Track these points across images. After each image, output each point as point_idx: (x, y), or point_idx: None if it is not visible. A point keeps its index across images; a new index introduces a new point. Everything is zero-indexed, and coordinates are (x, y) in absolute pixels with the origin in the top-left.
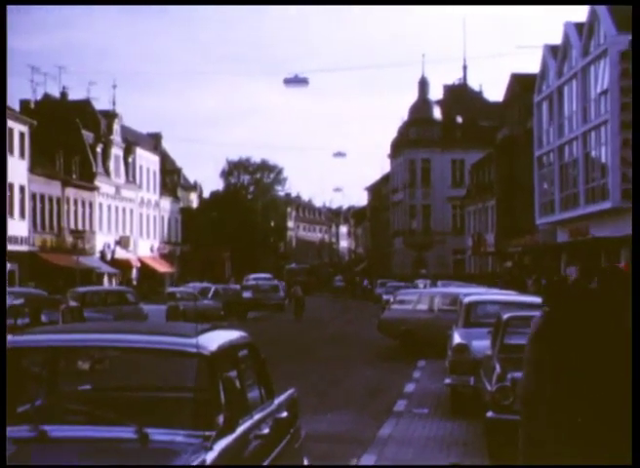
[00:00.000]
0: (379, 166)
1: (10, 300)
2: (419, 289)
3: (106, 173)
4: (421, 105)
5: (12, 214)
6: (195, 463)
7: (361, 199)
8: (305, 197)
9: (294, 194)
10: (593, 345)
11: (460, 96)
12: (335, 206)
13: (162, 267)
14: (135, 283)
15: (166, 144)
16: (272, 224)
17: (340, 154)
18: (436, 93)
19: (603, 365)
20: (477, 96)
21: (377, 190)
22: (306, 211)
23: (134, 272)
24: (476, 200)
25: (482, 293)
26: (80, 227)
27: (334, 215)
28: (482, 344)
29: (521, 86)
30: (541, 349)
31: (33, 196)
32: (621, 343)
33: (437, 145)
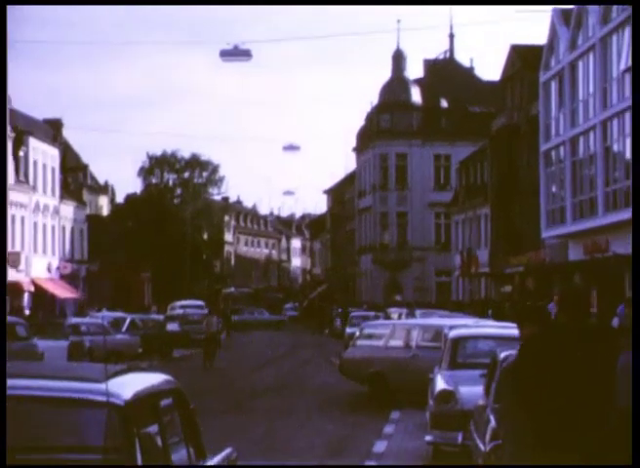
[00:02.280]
0: (341, 163)
1: None
2: (392, 320)
3: None
4: (396, 86)
5: None
6: None
7: (319, 205)
8: (248, 202)
9: (233, 198)
10: (565, 377)
11: (445, 73)
12: (285, 213)
13: (62, 292)
14: (27, 312)
15: (68, 134)
16: (205, 237)
17: (291, 147)
18: (415, 70)
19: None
20: (467, 73)
21: (338, 194)
22: (249, 220)
23: (25, 298)
24: (466, 206)
25: (472, 326)
26: None
27: (284, 226)
28: (473, 391)
29: (523, 61)
30: (516, 386)
31: None
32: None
33: (416, 136)
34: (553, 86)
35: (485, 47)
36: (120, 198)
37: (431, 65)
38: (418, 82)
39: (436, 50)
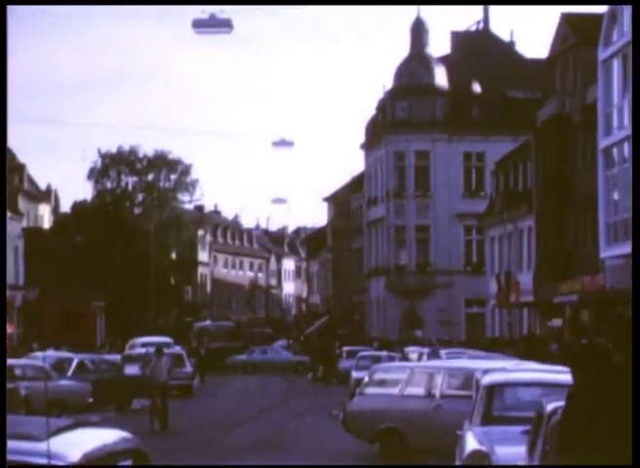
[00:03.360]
0: (345, 163)
1: None
2: (409, 362)
3: None
4: (416, 65)
5: None
6: None
7: (318, 216)
8: (228, 212)
9: (209, 207)
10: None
11: (478, 50)
12: (275, 227)
13: None
14: None
15: None
16: (174, 256)
17: (283, 144)
18: (440, 45)
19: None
20: (506, 50)
21: (342, 202)
22: (229, 234)
23: None
24: (503, 218)
25: (512, 370)
26: None
27: (273, 242)
28: (512, 452)
29: (577, 34)
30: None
31: None
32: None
33: (441, 129)
34: (616, 65)
35: (529, 16)
36: (65, 206)
37: (461, 39)
38: (443, 60)
39: (467, 20)
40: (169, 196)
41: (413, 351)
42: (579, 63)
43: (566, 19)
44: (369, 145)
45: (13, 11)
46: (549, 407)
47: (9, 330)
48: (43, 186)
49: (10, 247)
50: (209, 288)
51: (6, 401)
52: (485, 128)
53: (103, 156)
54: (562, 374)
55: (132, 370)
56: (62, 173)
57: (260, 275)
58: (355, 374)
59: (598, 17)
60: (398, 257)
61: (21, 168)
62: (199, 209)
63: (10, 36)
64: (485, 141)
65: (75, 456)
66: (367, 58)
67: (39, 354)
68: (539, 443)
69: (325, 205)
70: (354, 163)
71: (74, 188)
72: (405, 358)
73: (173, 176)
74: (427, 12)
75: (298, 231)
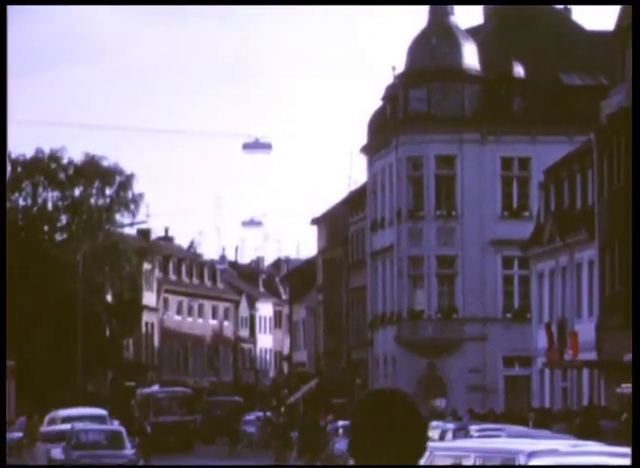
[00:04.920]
0: (341, 172)
1: None
2: (430, 441)
3: None
4: (437, 40)
5: None
6: None
7: (304, 244)
8: (183, 238)
9: (157, 232)
10: None
11: (520, 19)
12: (247, 258)
13: None
14: None
15: None
16: (110, 298)
17: (258, 146)
18: (469, 13)
19: None
20: (559, 19)
21: (337, 225)
22: (185, 269)
23: None
24: (556, 248)
25: (567, 453)
26: None
27: (245, 280)
28: None
29: None
30: None
31: None
32: None
33: (471, 127)
34: None
35: None
36: None
37: (497, 6)
38: (474, 33)
39: None
40: (103, 217)
41: (433, 427)
42: None
43: None
44: (373, 149)
45: None
46: None
47: None
48: None
49: None
50: (157, 341)
51: (6, 405)
52: (530, 125)
53: (14, 163)
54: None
55: (53, 452)
56: None
57: (226, 324)
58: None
59: None
60: (413, 300)
61: None
62: (144, 234)
63: None
64: (530, 143)
65: None
66: (370, 30)
67: None
68: None
69: (314, 229)
70: (354, 172)
71: None
72: None
73: (108, 191)
74: None
75: (277, 264)
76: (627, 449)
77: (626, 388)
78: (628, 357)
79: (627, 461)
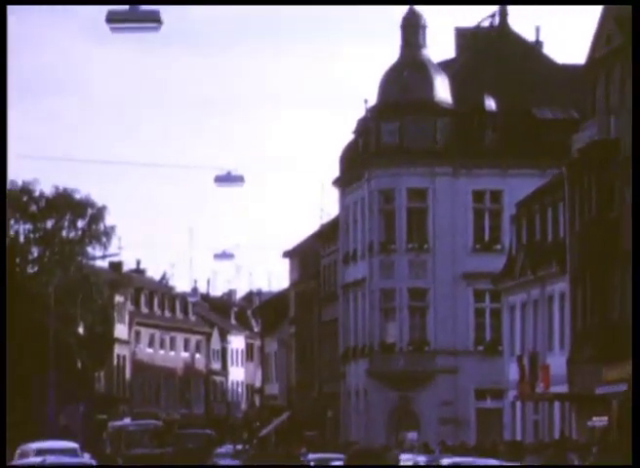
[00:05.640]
0: (314, 205)
1: None
2: None
3: None
4: (409, 74)
5: None
6: None
7: (276, 277)
8: (155, 271)
9: (129, 264)
10: None
11: (492, 53)
12: (219, 291)
13: None
14: None
15: None
16: (81, 331)
17: (230, 179)
18: (442, 46)
19: None
20: (530, 53)
21: (309, 258)
22: (157, 302)
23: None
24: (527, 281)
25: None
26: None
27: (217, 313)
28: None
29: (626, 31)
30: None
31: None
32: None
33: (443, 160)
34: None
35: (559, 9)
36: None
37: (469, 39)
38: (446, 67)
39: (477, 14)
40: (74, 249)
41: (405, 460)
42: (628, 71)
43: (610, 12)
44: (345, 182)
45: None
46: None
47: None
48: None
49: None
50: (128, 374)
51: (6, 406)
52: (502, 158)
53: None
54: None
55: None
56: None
57: (197, 356)
58: None
59: None
60: (385, 333)
61: None
62: (116, 266)
63: None
64: (502, 176)
65: None
66: (343, 63)
67: None
68: None
69: (286, 261)
70: (326, 205)
71: None
72: None
73: (80, 223)
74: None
75: (249, 297)
76: None
77: (598, 421)
78: (599, 390)
79: None
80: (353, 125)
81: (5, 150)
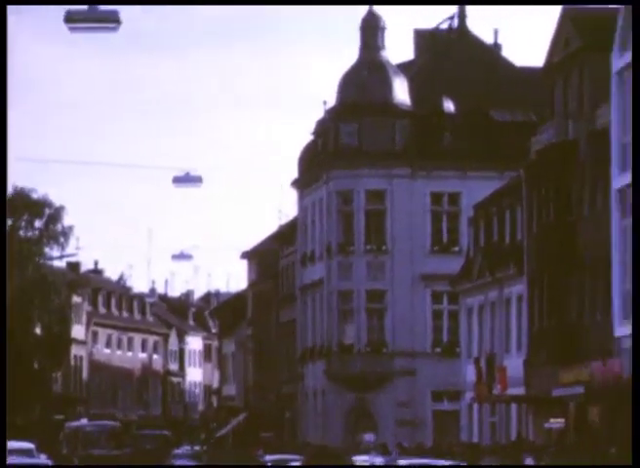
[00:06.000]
0: (272, 207)
1: None
2: None
3: None
4: (368, 76)
5: None
6: None
7: (234, 278)
8: (112, 272)
9: (87, 265)
10: None
11: (451, 55)
12: (177, 292)
13: None
14: None
15: None
16: (39, 331)
17: (188, 180)
18: (401, 48)
19: None
20: (489, 56)
21: (267, 259)
22: (114, 302)
23: None
24: (485, 283)
25: None
26: None
27: (174, 313)
28: None
29: (584, 34)
30: None
31: None
32: None
33: (401, 162)
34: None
35: (518, 11)
36: None
37: (428, 41)
38: (405, 69)
39: (436, 16)
40: (32, 250)
41: (362, 461)
42: (586, 75)
43: (569, 15)
44: (304, 183)
45: None
46: None
47: None
48: None
49: None
50: (85, 374)
51: (6, 405)
52: (460, 160)
53: None
54: None
55: None
56: None
57: (155, 357)
58: None
59: (611, 13)
60: (342, 334)
61: None
62: (73, 267)
63: None
64: (460, 179)
65: None
66: (302, 64)
67: None
68: None
69: (244, 263)
70: (284, 206)
71: None
72: None
73: (37, 223)
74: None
75: (207, 298)
76: None
77: (554, 423)
78: (556, 392)
79: None
80: (312, 126)
81: (5, 152)
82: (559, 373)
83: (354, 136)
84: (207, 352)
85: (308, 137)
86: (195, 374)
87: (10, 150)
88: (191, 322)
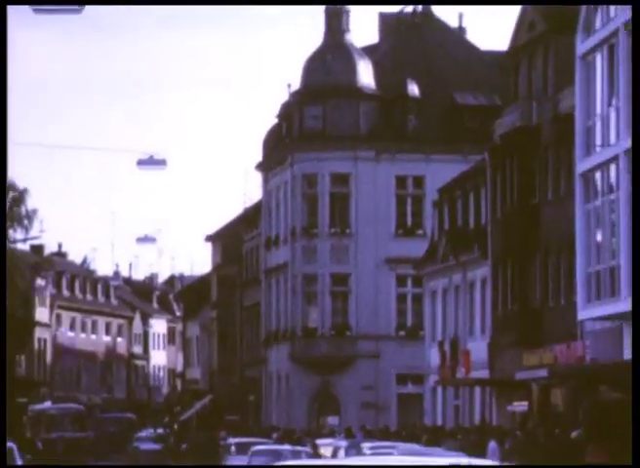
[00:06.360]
0: (236, 190)
1: None
2: (321, 458)
3: None
4: (332, 59)
5: None
6: None
7: (199, 261)
8: (76, 255)
9: (51, 248)
10: None
11: (415, 38)
12: (141, 275)
13: None
14: None
15: None
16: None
17: (152, 163)
18: (365, 32)
19: None
20: (453, 39)
21: (232, 243)
22: (78, 285)
23: None
24: (449, 266)
25: None
26: None
27: (139, 296)
28: None
29: (549, 18)
30: None
31: None
32: None
33: (366, 145)
34: (599, 62)
35: None
36: None
37: (392, 24)
38: (369, 52)
39: None
40: None
41: (326, 444)
42: (550, 59)
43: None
44: (268, 166)
45: None
46: None
47: None
48: None
49: None
50: (49, 357)
51: (6, 405)
52: (425, 144)
53: None
54: None
55: None
56: None
57: (119, 340)
58: None
59: None
60: (307, 318)
61: None
62: (37, 250)
63: None
64: (425, 162)
65: None
66: (267, 47)
67: None
68: None
69: (208, 246)
70: (248, 190)
71: None
72: (315, 454)
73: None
74: None
75: (171, 281)
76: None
77: (518, 406)
78: (519, 375)
79: None
80: (277, 109)
81: (5, 151)
82: (523, 357)
83: (319, 119)
84: (171, 335)
85: (273, 121)
86: (159, 358)
87: None
88: (155, 305)
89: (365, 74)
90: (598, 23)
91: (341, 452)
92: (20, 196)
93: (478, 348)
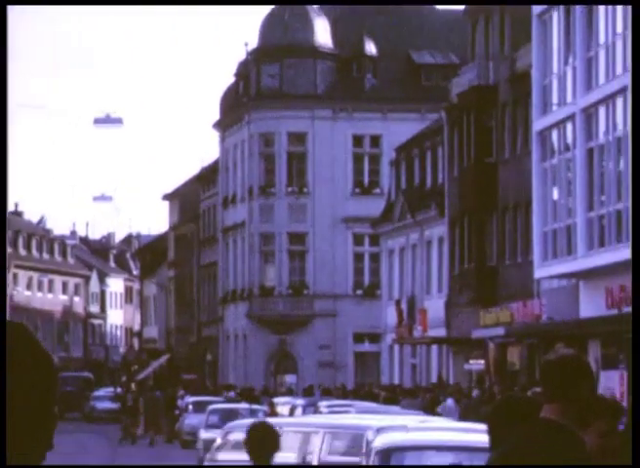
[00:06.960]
0: (193, 148)
1: None
2: (278, 417)
3: None
4: (289, 17)
5: None
6: None
7: (156, 220)
8: (32, 214)
9: (9, 207)
10: None
11: None
12: (97, 234)
13: None
14: None
15: None
16: None
17: (108, 121)
18: None
19: None
20: None
21: (189, 201)
22: (35, 244)
23: None
24: (406, 225)
25: (414, 429)
26: None
27: (95, 256)
28: None
29: None
30: None
31: None
32: None
33: (323, 103)
34: (556, 20)
35: None
36: None
37: None
38: (326, 11)
39: None
40: None
41: (283, 403)
42: (506, 17)
43: None
44: (225, 125)
45: None
46: None
47: None
48: None
49: None
50: (7, 316)
51: (6, 401)
52: (382, 102)
53: None
54: (480, 435)
55: None
56: None
57: (76, 299)
58: (204, 434)
59: None
60: (264, 277)
61: None
62: None
63: None
64: (382, 120)
65: None
66: (223, 5)
67: None
68: None
69: (166, 205)
70: (205, 148)
71: None
72: (273, 413)
73: None
74: None
75: (128, 240)
76: (476, 425)
77: (475, 364)
78: (476, 333)
79: (477, 437)
80: (234, 68)
81: (5, 147)
82: (479, 315)
83: (276, 77)
84: (128, 294)
85: (230, 79)
86: (116, 317)
87: None
88: (112, 264)
89: (322, 33)
90: None
91: (299, 411)
92: None
93: (435, 306)
